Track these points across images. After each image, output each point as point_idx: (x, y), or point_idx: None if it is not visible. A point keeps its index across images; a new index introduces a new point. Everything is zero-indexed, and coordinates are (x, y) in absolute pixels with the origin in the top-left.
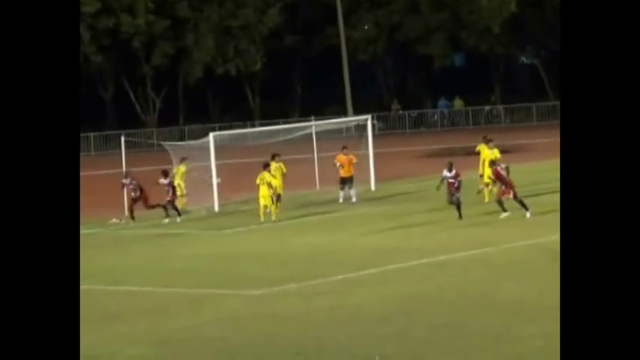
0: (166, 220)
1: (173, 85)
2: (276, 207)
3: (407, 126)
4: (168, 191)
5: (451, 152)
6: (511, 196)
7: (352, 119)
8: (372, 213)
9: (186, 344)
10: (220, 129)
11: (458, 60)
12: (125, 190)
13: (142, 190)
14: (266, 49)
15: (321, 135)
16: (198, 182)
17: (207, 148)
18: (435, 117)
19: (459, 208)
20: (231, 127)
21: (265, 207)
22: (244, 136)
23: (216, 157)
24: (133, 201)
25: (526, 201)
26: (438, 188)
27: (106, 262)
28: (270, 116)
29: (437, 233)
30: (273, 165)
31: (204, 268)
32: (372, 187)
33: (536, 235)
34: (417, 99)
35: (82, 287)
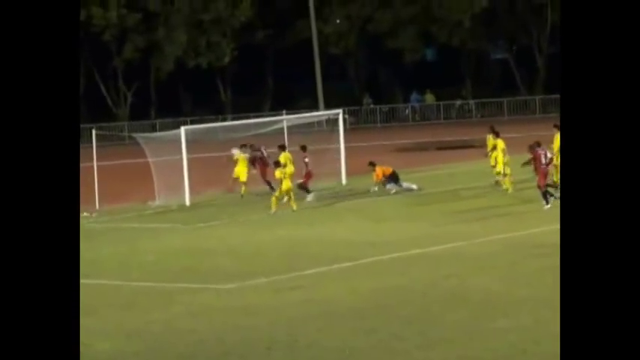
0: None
1: (145, 78)
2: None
3: (378, 120)
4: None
5: (423, 147)
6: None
7: (324, 113)
8: (345, 207)
9: (158, 337)
10: (192, 123)
11: (429, 54)
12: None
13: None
14: (237, 42)
15: (292, 129)
16: (168, 176)
17: (179, 141)
18: (407, 111)
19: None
20: (202, 121)
21: (280, 198)
22: (216, 129)
23: (188, 151)
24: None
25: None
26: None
27: None
28: (241, 110)
29: (409, 227)
30: (284, 156)
31: (175, 262)
32: (344, 181)
33: (509, 229)
34: (388, 93)
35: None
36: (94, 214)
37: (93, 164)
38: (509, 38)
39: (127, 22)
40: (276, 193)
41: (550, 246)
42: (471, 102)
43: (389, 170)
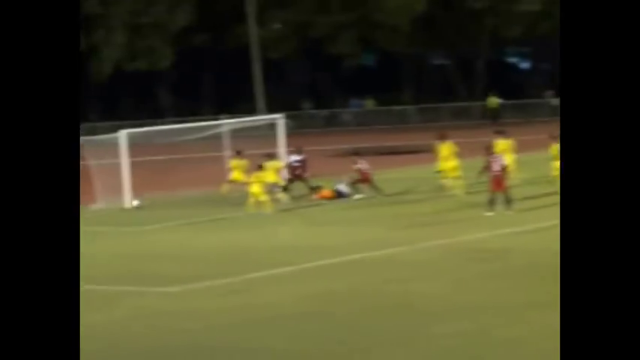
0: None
1: (83, 81)
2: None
3: (318, 125)
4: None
5: (363, 152)
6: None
7: (264, 118)
8: (286, 211)
9: (100, 340)
10: (131, 126)
11: (369, 59)
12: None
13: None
14: (177, 46)
15: (232, 133)
16: (109, 178)
17: (119, 144)
18: (347, 116)
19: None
20: (142, 125)
21: (256, 201)
22: (156, 133)
23: (129, 155)
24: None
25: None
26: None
27: None
28: (181, 114)
29: (351, 232)
30: (270, 164)
31: (117, 266)
32: None
33: (450, 235)
34: (328, 98)
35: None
36: None
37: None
38: (449, 44)
39: None
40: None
41: (491, 251)
42: (411, 107)
43: (329, 193)
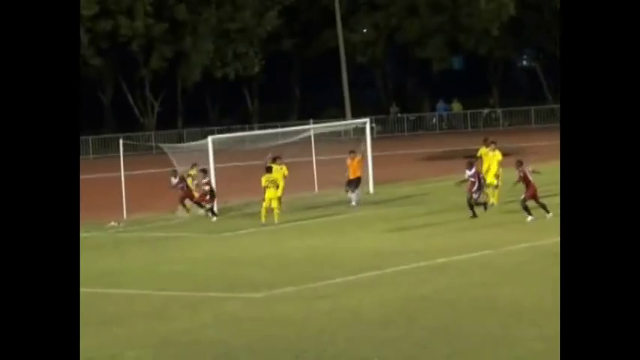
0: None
1: (172, 88)
2: (279, 209)
3: (405, 129)
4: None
5: (450, 155)
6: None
7: (351, 122)
8: (371, 216)
9: (185, 347)
10: (219, 132)
11: (456, 63)
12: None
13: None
14: (264, 52)
15: (319, 138)
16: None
17: (207, 151)
18: (434, 120)
19: (472, 207)
20: (229, 131)
21: (268, 209)
22: (243, 139)
23: (215, 161)
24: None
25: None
26: (457, 185)
27: (104, 265)
28: (268, 119)
29: (436, 236)
30: (275, 167)
31: (202, 272)
32: (371, 190)
33: (536, 238)
34: (415, 102)
35: (80, 290)
36: (121, 224)
37: (120, 174)
38: (537, 47)
39: (154, 31)
40: (264, 204)
41: None
42: (499, 110)
43: (357, 174)
